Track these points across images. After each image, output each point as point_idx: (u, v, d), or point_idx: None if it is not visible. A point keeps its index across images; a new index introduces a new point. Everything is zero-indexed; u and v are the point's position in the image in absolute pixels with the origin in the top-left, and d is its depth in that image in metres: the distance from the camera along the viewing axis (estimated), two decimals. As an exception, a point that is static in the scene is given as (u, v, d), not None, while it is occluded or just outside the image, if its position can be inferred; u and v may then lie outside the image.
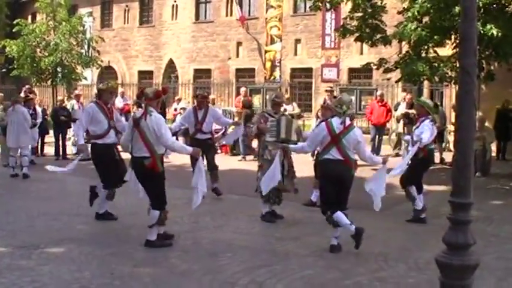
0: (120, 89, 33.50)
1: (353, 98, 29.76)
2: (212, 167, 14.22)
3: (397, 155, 22.26)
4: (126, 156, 10.63)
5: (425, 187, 15.35)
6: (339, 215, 9.47)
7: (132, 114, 10.18)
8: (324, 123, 10.09)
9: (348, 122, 9.66)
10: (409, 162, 11.78)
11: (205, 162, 13.81)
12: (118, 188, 11.62)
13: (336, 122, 9.64)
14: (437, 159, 21.02)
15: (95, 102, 11.96)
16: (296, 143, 11.61)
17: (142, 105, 9.89)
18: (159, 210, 9.61)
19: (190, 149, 10.31)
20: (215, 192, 14.16)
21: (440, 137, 21.23)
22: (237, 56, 36.89)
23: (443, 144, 22.19)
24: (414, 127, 12.06)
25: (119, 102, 28.39)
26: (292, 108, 24.08)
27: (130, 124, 9.92)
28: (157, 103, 9.92)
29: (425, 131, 11.56)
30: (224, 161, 20.01)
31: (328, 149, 9.59)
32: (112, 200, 11.68)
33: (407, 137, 12.45)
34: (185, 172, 16.51)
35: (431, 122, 11.77)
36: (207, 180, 11.75)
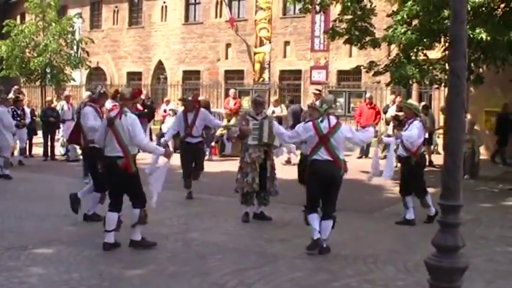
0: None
1: (342, 100, 29.85)
2: (198, 167, 14.26)
3: (386, 157, 22.30)
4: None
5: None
6: (313, 217, 9.60)
7: (106, 114, 10.08)
8: (310, 122, 10.08)
9: (333, 121, 9.72)
10: (405, 172, 11.87)
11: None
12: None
13: (320, 122, 9.72)
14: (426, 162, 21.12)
15: (91, 105, 11.76)
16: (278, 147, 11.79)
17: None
18: (139, 208, 9.56)
19: (162, 150, 10.28)
20: (188, 195, 14.20)
21: (429, 140, 21.30)
22: (226, 57, 36.85)
23: (432, 147, 22.24)
24: (404, 129, 12.07)
25: (107, 103, 28.29)
26: (280, 110, 24.16)
27: (104, 123, 9.80)
28: (133, 104, 9.91)
29: (413, 129, 11.58)
30: (213, 164, 20.03)
31: (317, 150, 9.64)
32: (103, 203, 11.65)
33: (387, 139, 12.41)
34: (173, 174, 16.51)
35: (421, 123, 11.79)
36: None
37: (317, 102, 11.04)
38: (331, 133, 9.59)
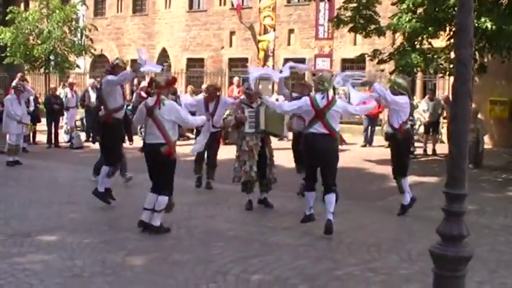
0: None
1: (346, 88, 29.74)
2: (212, 163, 14.07)
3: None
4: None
5: (418, 178, 15.45)
6: (310, 194, 10.12)
7: (143, 102, 10.41)
8: (307, 97, 10.27)
9: (330, 96, 9.98)
10: (393, 149, 11.75)
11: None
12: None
13: (319, 97, 9.94)
14: (430, 151, 21.11)
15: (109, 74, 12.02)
16: (282, 136, 11.86)
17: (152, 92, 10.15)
18: (167, 196, 9.83)
19: (204, 117, 11.21)
20: (207, 185, 14.12)
21: (435, 128, 21.28)
22: (230, 45, 36.76)
23: (437, 136, 22.19)
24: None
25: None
26: (284, 98, 24.09)
27: (143, 112, 10.06)
28: (168, 91, 10.27)
29: (396, 96, 11.34)
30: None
31: (313, 123, 9.91)
32: (111, 177, 11.94)
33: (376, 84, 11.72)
34: (179, 162, 16.52)
35: (409, 101, 11.64)
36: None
37: (314, 78, 10.95)
38: (327, 108, 9.85)
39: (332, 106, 9.88)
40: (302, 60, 33.50)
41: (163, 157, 9.75)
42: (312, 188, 10.15)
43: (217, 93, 14.32)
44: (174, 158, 9.93)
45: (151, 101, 9.97)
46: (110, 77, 11.66)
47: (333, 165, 9.97)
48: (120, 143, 12.44)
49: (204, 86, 20.99)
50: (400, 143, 11.65)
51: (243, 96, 12.82)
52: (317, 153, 9.90)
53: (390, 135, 11.87)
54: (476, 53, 16.83)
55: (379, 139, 22.82)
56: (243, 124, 11.73)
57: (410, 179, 15.79)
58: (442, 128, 22.46)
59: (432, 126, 21.25)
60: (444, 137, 22.21)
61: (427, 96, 22.39)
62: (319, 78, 10.28)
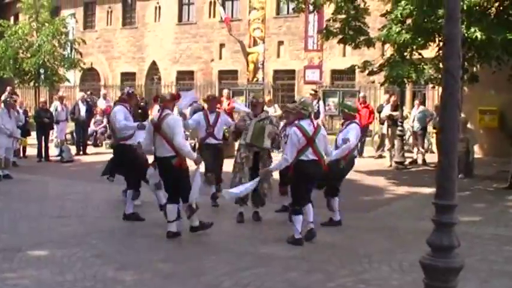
0: (103, 91, 33.49)
1: (335, 100, 29.75)
2: (217, 178, 13.72)
3: (380, 156, 22.33)
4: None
5: (409, 189, 15.49)
6: (299, 219, 10.08)
7: (150, 119, 10.94)
8: (295, 128, 10.18)
9: (314, 123, 10.26)
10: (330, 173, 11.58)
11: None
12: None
13: (306, 124, 10.04)
14: (420, 161, 21.14)
15: (122, 104, 12.14)
16: (270, 149, 11.80)
17: (149, 107, 10.47)
18: (187, 202, 10.31)
19: (194, 155, 10.74)
20: (212, 198, 13.69)
21: (422, 138, 21.35)
22: (220, 57, 36.79)
23: (426, 145, 22.27)
24: (338, 131, 11.91)
25: (101, 104, 28.38)
26: (274, 110, 24.16)
27: (150, 129, 10.43)
28: (173, 105, 10.72)
29: (351, 131, 11.36)
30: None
31: (304, 151, 9.99)
32: (135, 199, 12.04)
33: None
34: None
35: (358, 125, 11.68)
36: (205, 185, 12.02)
37: (293, 105, 10.85)
38: (315, 134, 10.03)
39: (319, 132, 10.12)
40: (292, 71, 33.65)
41: (176, 169, 10.14)
42: (300, 211, 10.13)
43: (217, 105, 14.30)
44: (186, 167, 10.36)
45: (156, 116, 10.43)
46: (122, 122, 11.71)
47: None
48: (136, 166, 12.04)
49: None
50: (340, 171, 11.46)
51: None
52: (308, 179, 10.14)
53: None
54: (466, 63, 16.88)
55: (369, 150, 22.90)
56: (241, 133, 11.87)
57: (402, 189, 15.89)
58: (432, 137, 22.53)
59: (420, 137, 21.34)
60: (434, 147, 22.25)
61: (416, 103, 22.56)
62: (302, 103, 10.32)
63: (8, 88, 23.08)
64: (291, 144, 10.14)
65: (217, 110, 14.04)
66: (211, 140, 13.53)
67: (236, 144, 13.72)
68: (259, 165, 11.60)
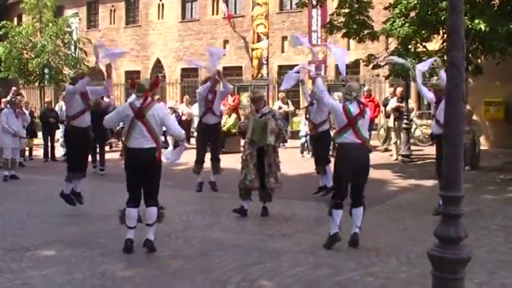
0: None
1: (340, 94, 29.65)
2: (214, 157, 14.08)
3: (386, 150, 22.31)
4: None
5: (415, 181, 15.47)
6: (338, 213, 9.57)
7: (128, 102, 10.00)
8: (341, 106, 9.90)
9: (361, 105, 9.72)
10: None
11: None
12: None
13: (351, 106, 9.62)
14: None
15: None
16: (275, 145, 11.77)
17: (136, 95, 9.75)
18: (156, 206, 9.47)
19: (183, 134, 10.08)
20: (211, 186, 14.10)
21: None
22: (224, 54, 36.72)
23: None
24: None
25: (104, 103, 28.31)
26: (287, 107, 24.51)
27: (129, 114, 9.40)
28: (153, 95, 9.69)
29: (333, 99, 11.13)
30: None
31: (344, 132, 9.57)
32: (71, 181, 12.21)
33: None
34: (174, 172, 16.51)
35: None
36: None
37: (343, 90, 10.74)
38: (359, 115, 9.55)
39: (363, 115, 9.59)
40: (296, 66, 33.59)
41: (156, 162, 9.33)
42: (340, 205, 9.66)
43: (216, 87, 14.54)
44: (161, 163, 9.54)
45: (138, 102, 9.43)
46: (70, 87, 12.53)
47: (365, 177, 9.74)
48: (80, 151, 12.45)
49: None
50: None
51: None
52: (351, 164, 9.52)
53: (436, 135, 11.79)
54: (470, 54, 16.85)
55: (375, 143, 22.85)
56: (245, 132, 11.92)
57: (408, 182, 15.87)
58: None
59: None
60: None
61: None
62: (348, 88, 10.09)
63: (13, 89, 23.06)
64: (335, 102, 10.33)
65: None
66: (208, 119, 14.02)
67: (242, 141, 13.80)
68: (265, 160, 11.64)
